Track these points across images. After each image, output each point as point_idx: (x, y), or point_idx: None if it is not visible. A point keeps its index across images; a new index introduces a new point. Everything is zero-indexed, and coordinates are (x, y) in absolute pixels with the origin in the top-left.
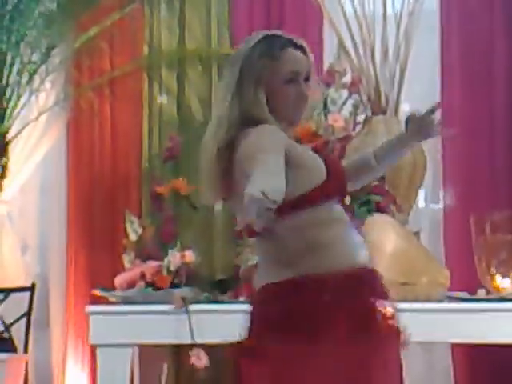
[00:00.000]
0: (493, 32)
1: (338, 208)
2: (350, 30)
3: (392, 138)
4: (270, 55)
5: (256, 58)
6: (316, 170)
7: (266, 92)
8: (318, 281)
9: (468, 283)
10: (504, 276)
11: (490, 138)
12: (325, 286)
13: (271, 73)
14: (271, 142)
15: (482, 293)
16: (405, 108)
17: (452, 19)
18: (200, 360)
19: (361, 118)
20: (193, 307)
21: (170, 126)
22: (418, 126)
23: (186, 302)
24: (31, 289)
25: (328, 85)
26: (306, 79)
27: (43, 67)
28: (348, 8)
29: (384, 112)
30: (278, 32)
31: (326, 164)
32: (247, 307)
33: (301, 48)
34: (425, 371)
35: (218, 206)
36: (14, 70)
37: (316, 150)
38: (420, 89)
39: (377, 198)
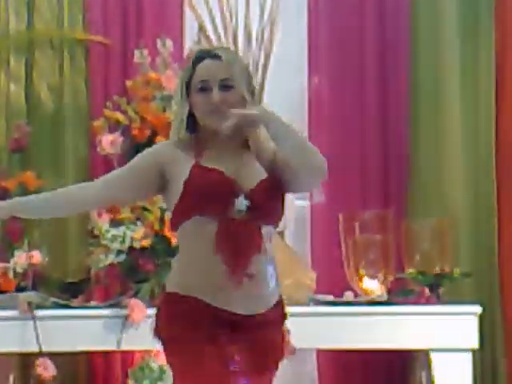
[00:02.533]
0: (363, 13)
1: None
2: (210, 12)
3: None
4: (187, 70)
5: (181, 75)
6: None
7: (190, 104)
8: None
9: (335, 285)
10: (373, 277)
11: (361, 129)
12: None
13: (191, 86)
14: (137, 157)
15: (349, 295)
16: (269, 98)
17: (320, 3)
18: (47, 370)
19: None
20: (40, 313)
21: (18, 115)
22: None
23: (32, 306)
24: None
25: None
26: (226, 86)
27: None
28: None
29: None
30: (204, 46)
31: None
32: (100, 312)
33: (217, 56)
34: (288, 380)
35: None
36: None
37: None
38: (286, 76)
39: None
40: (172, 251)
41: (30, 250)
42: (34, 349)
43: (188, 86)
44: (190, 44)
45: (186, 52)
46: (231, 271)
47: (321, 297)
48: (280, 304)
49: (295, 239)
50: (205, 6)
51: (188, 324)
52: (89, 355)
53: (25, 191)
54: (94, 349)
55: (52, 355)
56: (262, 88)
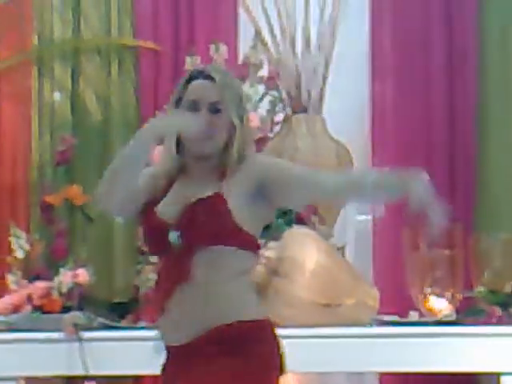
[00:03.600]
0: (430, 17)
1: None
2: (267, 15)
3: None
4: (178, 91)
5: (173, 95)
6: None
7: None
8: None
9: (399, 305)
10: (439, 296)
11: (427, 139)
12: None
13: (182, 104)
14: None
15: (414, 315)
16: (329, 105)
17: (384, 3)
18: None
19: (279, 116)
20: (86, 334)
21: (63, 127)
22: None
23: (78, 328)
24: None
25: (242, 79)
26: (216, 110)
27: None
28: None
29: (305, 110)
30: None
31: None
32: (150, 334)
33: (210, 77)
34: None
35: (118, 219)
36: None
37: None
38: (347, 83)
39: None
40: None
41: (76, 269)
42: (81, 372)
43: (178, 104)
44: (245, 49)
45: (240, 57)
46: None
47: (384, 317)
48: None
49: (356, 255)
50: (260, 9)
51: None
52: (138, 379)
53: (70, 207)
54: (144, 373)
55: (99, 379)
56: (321, 94)
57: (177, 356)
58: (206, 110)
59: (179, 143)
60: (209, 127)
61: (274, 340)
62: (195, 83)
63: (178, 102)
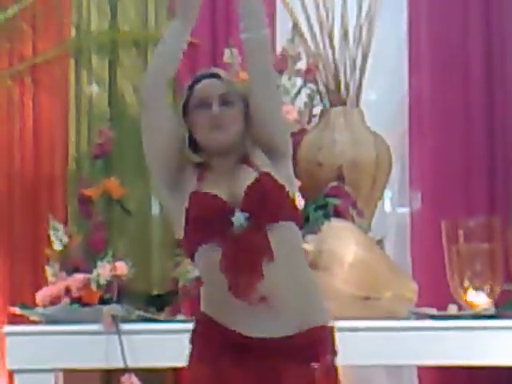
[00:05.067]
0: (468, 10)
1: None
2: (305, 9)
3: None
4: (185, 96)
5: (184, 98)
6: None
7: (189, 126)
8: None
9: (438, 298)
10: (478, 290)
11: (465, 132)
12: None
13: (189, 107)
14: None
15: (453, 309)
16: (367, 98)
17: None
18: None
19: (317, 109)
20: (125, 326)
21: (101, 120)
22: None
23: (116, 320)
24: None
25: (280, 72)
26: (225, 103)
27: None
28: None
29: (343, 103)
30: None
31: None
32: (188, 326)
33: (215, 75)
34: None
35: (156, 211)
36: None
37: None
38: (385, 76)
39: (335, 201)
40: None
41: (114, 261)
42: (119, 365)
43: (185, 110)
44: (282, 42)
45: (278, 50)
46: (237, 294)
47: (423, 310)
48: (314, 332)
49: (395, 249)
50: (299, 2)
51: (203, 345)
52: (176, 371)
53: (108, 200)
54: (182, 365)
55: (138, 371)
56: (359, 87)
57: (241, 347)
58: (216, 104)
59: (194, 143)
60: (222, 118)
61: (335, 351)
62: (201, 83)
63: (185, 107)
